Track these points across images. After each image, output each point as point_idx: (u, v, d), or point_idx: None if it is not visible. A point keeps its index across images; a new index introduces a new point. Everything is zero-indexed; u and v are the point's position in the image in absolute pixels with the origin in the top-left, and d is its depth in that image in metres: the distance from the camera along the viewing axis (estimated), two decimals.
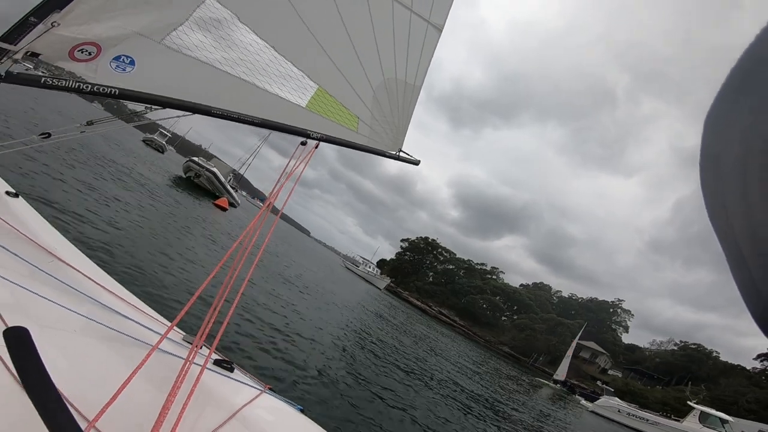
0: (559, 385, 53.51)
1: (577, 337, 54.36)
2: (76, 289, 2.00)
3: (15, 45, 2.15)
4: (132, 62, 2.35)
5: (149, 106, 2.40)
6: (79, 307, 1.86)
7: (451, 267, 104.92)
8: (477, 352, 45.10)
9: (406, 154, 2.90)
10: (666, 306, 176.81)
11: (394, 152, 2.87)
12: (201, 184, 32.05)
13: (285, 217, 78.42)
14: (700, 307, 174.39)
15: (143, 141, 60.35)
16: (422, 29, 2.74)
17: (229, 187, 37.13)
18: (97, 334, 1.78)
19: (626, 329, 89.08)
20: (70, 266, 2.22)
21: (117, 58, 2.33)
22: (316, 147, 2.49)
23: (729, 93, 0.31)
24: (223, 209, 28.36)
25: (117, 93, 2.30)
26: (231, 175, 45.51)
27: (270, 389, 2.26)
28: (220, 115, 2.38)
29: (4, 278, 1.71)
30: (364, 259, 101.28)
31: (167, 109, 2.39)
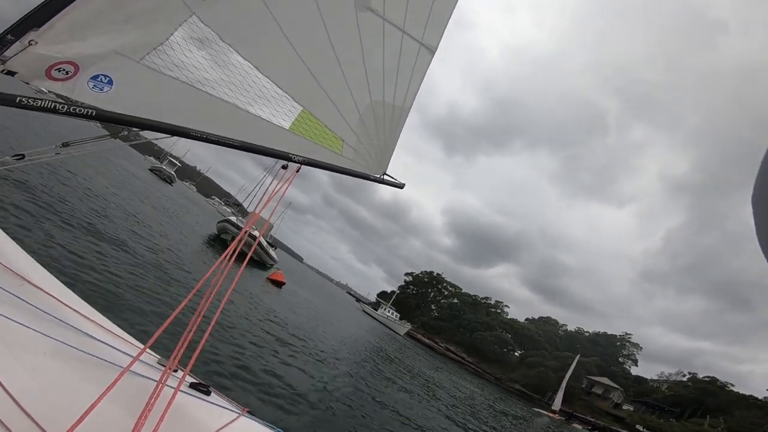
0: (557, 415, 54.27)
1: (571, 368, 53.43)
2: (47, 313, 1.98)
3: None
4: (110, 81, 2.33)
5: (125, 126, 2.36)
6: (49, 330, 1.84)
7: (455, 301, 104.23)
8: (488, 390, 44.56)
9: (391, 177, 2.88)
10: (659, 333, 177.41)
11: (379, 175, 2.85)
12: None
13: (277, 242, 78.20)
14: (694, 334, 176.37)
15: (150, 170, 59.20)
16: (414, 51, 2.73)
17: (271, 253, 35.41)
18: (68, 356, 1.76)
19: (635, 362, 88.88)
20: (41, 290, 2.18)
21: (95, 77, 2.31)
22: (298, 170, 2.47)
23: None
24: (279, 285, 23.77)
25: (94, 114, 2.25)
26: (271, 236, 43.68)
27: (249, 412, 2.23)
28: (200, 138, 2.34)
29: None
30: (381, 300, 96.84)
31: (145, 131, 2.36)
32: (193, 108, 2.42)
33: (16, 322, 1.74)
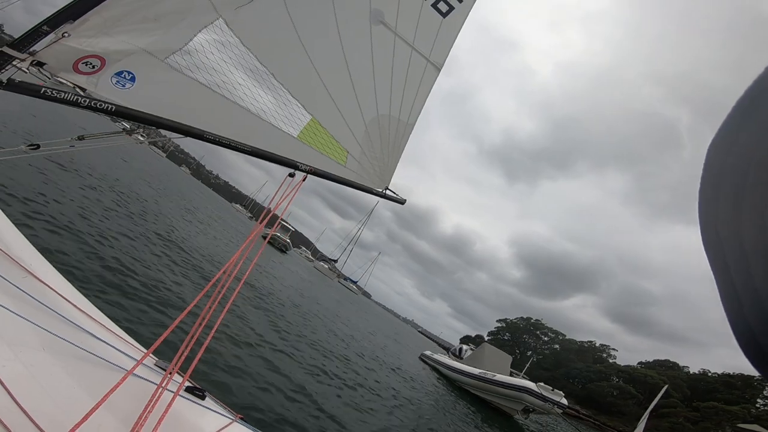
0: None
1: (657, 397, 44.30)
2: (48, 307, 2.05)
3: (22, 53, 2.32)
4: (133, 78, 2.46)
5: (143, 125, 2.45)
6: (50, 325, 1.90)
7: (555, 347, 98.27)
8: None
9: (393, 192, 2.88)
10: None
11: (380, 189, 2.86)
12: None
13: (346, 279, 79.58)
14: None
15: (263, 237, 59.35)
16: (421, 67, 2.75)
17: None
18: (68, 354, 1.81)
19: None
20: (45, 284, 2.28)
21: (119, 74, 2.45)
22: (304, 179, 2.47)
23: (735, 119, 0.37)
24: None
25: (113, 109, 2.39)
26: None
27: (242, 419, 2.28)
28: (212, 140, 2.39)
29: None
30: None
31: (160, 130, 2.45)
32: (209, 110, 2.48)
33: (17, 315, 1.80)
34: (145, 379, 1.91)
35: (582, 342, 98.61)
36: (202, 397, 2.18)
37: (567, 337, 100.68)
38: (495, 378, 21.55)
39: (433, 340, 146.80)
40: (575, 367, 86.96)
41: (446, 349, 62.41)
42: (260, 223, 2.33)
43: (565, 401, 20.21)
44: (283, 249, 56.62)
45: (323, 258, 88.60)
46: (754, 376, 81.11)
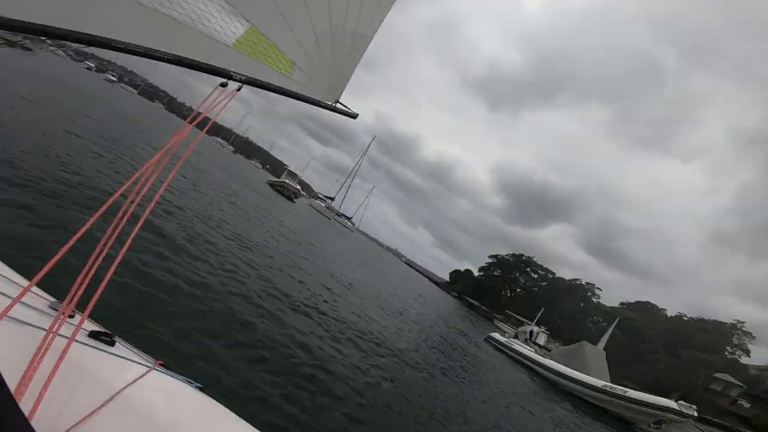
0: None
1: (609, 332, 44.11)
2: None
3: None
4: None
5: (31, 36, 2.03)
6: None
7: (543, 284, 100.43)
8: None
9: (344, 105, 2.65)
10: (730, 304, 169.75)
11: (330, 103, 2.61)
12: None
13: (341, 216, 78.35)
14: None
15: (270, 185, 54.89)
16: None
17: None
18: None
19: (747, 353, 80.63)
20: None
21: None
22: (239, 89, 2.20)
23: None
24: None
25: None
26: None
27: (162, 365, 1.99)
28: (123, 49, 1.97)
29: None
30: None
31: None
32: (121, 19, 2.03)
33: None
34: (31, 325, 1.56)
35: (570, 280, 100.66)
36: (111, 343, 1.85)
37: (557, 276, 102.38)
38: (627, 394, 21.39)
39: (423, 274, 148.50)
40: (564, 308, 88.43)
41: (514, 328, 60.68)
42: (189, 123, 2.04)
43: (695, 413, 20.20)
44: (291, 197, 54.41)
45: (319, 196, 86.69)
46: (725, 323, 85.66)
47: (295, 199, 55.91)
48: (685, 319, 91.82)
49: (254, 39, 2.17)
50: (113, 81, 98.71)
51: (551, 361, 25.69)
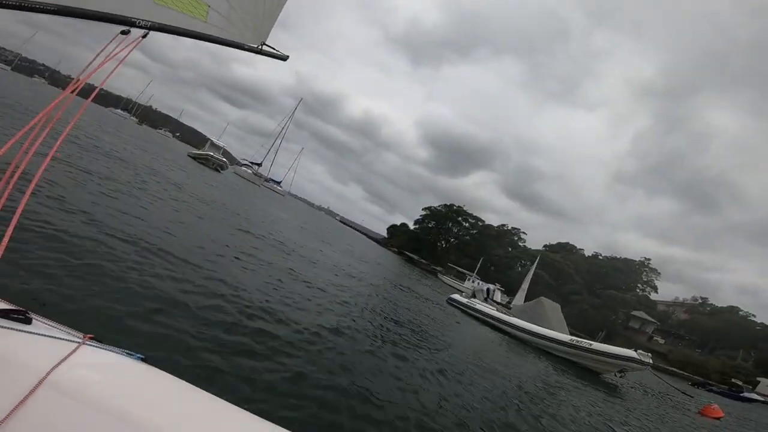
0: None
1: (531, 271, 45.76)
2: None
3: None
4: None
5: None
6: None
7: (474, 232, 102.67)
8: None
9: (271, 47, 2.53)
10: (634, 240, 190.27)
11: (256, 45, 2.48)
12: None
13: (269, 181, 76.21)
14: (666, 239, 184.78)
15: (192, 157, 52.55)
16: None
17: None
18: None
19: (655, 289, 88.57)
20: None
21: None
22: (144, 36, 2.01)
23: None
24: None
25: None
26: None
27: (92, 338, 1.77)
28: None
29: None
30: (442, 271, 76.16)
31: None
32: None
33: None
34: None
35: (498, 227, 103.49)
36: (26, 321, 1.66)
37: (486, 223, 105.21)
38: (593, 347, 22.54)
39: (360, 232, 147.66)
40: (495, 254, 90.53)
41: (457, 281, 64.45)
42: (74, 84, 1.84)
43: (650, 361, 21.80)
44: (218, 168, 53.14)
45: (244, 162, 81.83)
46: (634, 261, 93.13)
47: (221, 171, 54.16)
48: (601, 258, 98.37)
49: None
50: None
51: (516, 319, 26.70)
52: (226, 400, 1.68)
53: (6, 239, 1.48)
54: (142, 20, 1.97)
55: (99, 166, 12.81)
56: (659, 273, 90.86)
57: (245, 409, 1.67)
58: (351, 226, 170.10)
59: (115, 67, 1.93)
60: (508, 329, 26.11)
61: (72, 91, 1.73)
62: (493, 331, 24.84)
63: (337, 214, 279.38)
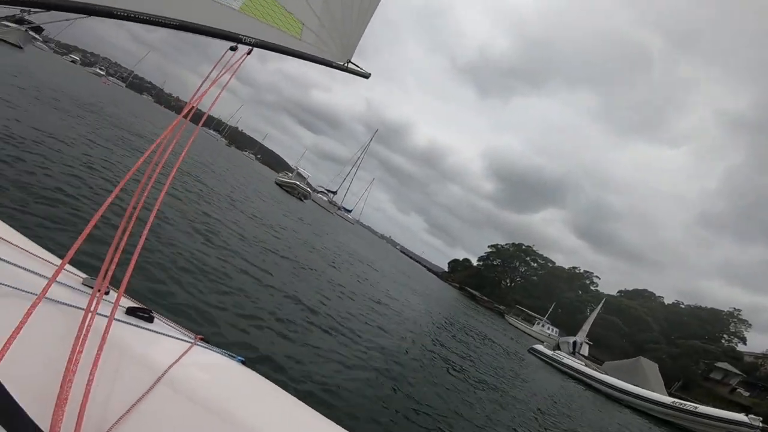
0: None
1: (595, 313, 42.97)
2: None
3: None
4: None
5: (25, 8, 1.94)
6: None
7: (542, 273, 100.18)
8: None
9: (356, 66, 2.57)
10: (718, 287, 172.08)
11: (342, 63, 2.55)
12: None
13: (340, 209, 77.19)
14: (755, 288, 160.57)
15: (278, 184, 54.76)
16: None
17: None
18: None
19: (743, 341, 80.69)
20: None
21: None
22: (249, 53, 2.13)
23: None
24: None
25: None
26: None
27: (202, 339, 1.94)
28: (125, 17, 1.91)
29: None
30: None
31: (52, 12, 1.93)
32: None
33: None
34: (68, 305, 1.48)
35: (569, 269, 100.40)
36: (149, 319, 1.79)
37: (557, 265, 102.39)
38: (698, 410, 21.86)
39: (419, 263, 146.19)
40: (565, 297, 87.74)
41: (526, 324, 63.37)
42: (195, 96, 1.91)
43: (760, 424, 20.56)
44: (302, 198, 54.74)
45: (320, 190, 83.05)
46: (722, 311, 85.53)
47: (304, 200, 55.81)
48: (682, 306, 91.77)
49: (261, 1, 2.13)
50: (101, 75, 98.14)
51: (611, 378, 25.88)
52: (310, 406, 1.83)
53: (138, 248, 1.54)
54: (248, 37, 2.08)
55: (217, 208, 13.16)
56: (750, 324, 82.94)
57: (324, 415, 1.81)
58: (410, 257, 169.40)
59: (225, 84, 2.00)
60: (601, 387, 25.28)
61: (185, 116, 1.80)
62: (579, 384, 24.21)
63: (398, 244, 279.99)
